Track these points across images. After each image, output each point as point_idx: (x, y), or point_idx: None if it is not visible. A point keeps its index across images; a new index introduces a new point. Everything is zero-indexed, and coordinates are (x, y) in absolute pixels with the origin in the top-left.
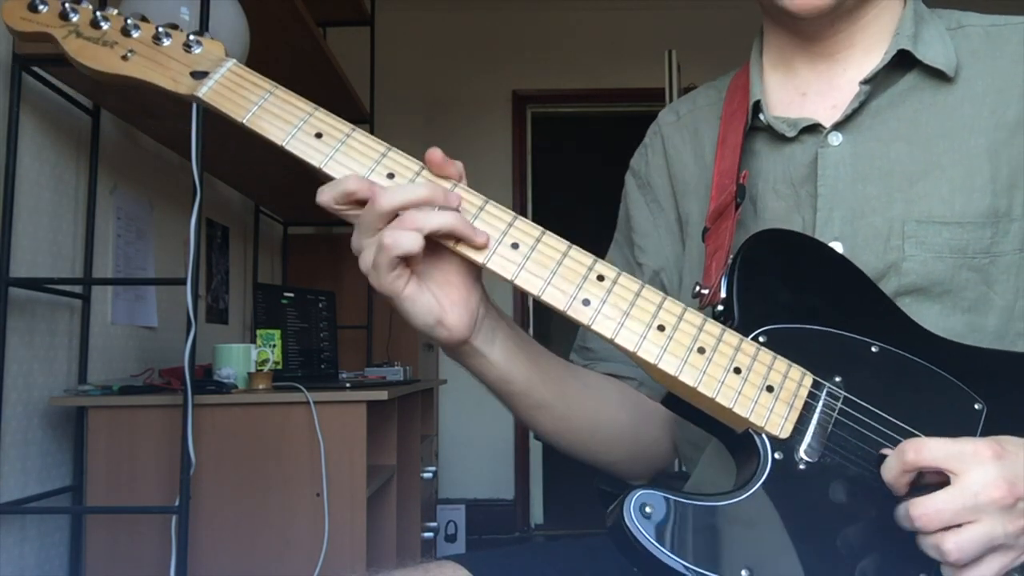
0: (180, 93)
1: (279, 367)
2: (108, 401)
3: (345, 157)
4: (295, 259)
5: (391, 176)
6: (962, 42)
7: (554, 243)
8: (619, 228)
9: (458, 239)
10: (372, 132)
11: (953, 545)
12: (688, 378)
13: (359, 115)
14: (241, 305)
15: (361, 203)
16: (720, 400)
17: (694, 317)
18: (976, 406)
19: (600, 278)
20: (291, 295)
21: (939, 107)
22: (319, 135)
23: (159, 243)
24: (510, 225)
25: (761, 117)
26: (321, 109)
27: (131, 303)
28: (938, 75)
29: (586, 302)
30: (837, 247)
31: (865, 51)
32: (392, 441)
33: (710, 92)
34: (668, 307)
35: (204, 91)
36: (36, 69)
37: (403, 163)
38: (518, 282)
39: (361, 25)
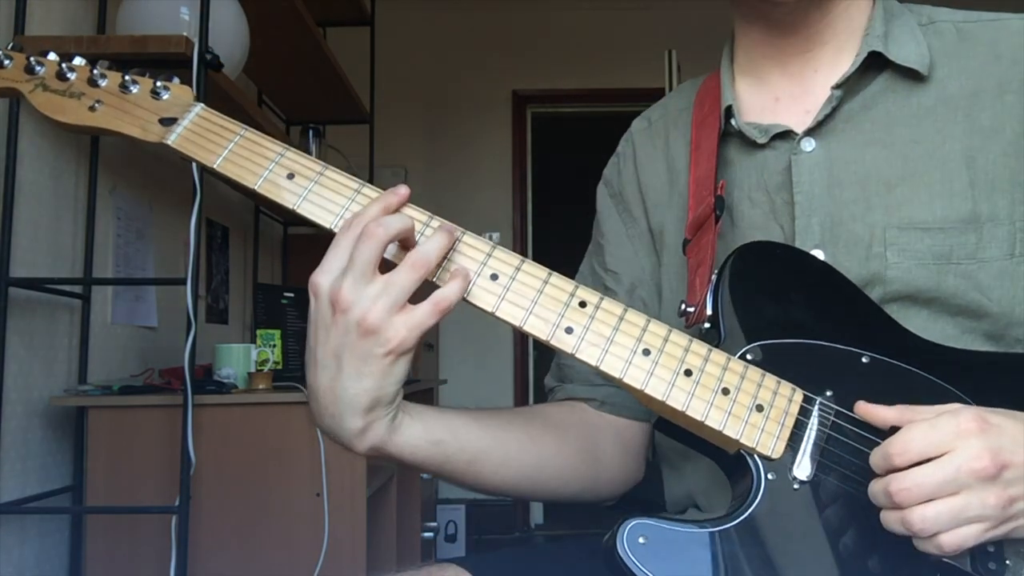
0: (150, 141)
1: (279, 367)
2: (108, 401)
3: (318, 197)
4: (295, 259)
5: None
6: (934, 39)
7: (534, 271)
8: (593, 240)
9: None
10: (372, 132)
11: (918, 517)
12: (676, 402)
13: (359, 115)
14: (241, 305)
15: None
16: (709, 423)
17: (680, 338)
18: None
19: (582, 304)
20: (291, 295)
21: (913, 109)
22: (291, 175)
23: (159, 243)
24: (489, 255)
25: (733, 123)
26: (292, 149)
27: (131, 303)
28: (911, 74)
29: (569, 330)
30: (818, 255)
31: (835, 50)
32: None
33: (680, 96)
34: (653, 329)
35: (173, 138)
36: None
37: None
38: (499, 314)
39: (361, 25)
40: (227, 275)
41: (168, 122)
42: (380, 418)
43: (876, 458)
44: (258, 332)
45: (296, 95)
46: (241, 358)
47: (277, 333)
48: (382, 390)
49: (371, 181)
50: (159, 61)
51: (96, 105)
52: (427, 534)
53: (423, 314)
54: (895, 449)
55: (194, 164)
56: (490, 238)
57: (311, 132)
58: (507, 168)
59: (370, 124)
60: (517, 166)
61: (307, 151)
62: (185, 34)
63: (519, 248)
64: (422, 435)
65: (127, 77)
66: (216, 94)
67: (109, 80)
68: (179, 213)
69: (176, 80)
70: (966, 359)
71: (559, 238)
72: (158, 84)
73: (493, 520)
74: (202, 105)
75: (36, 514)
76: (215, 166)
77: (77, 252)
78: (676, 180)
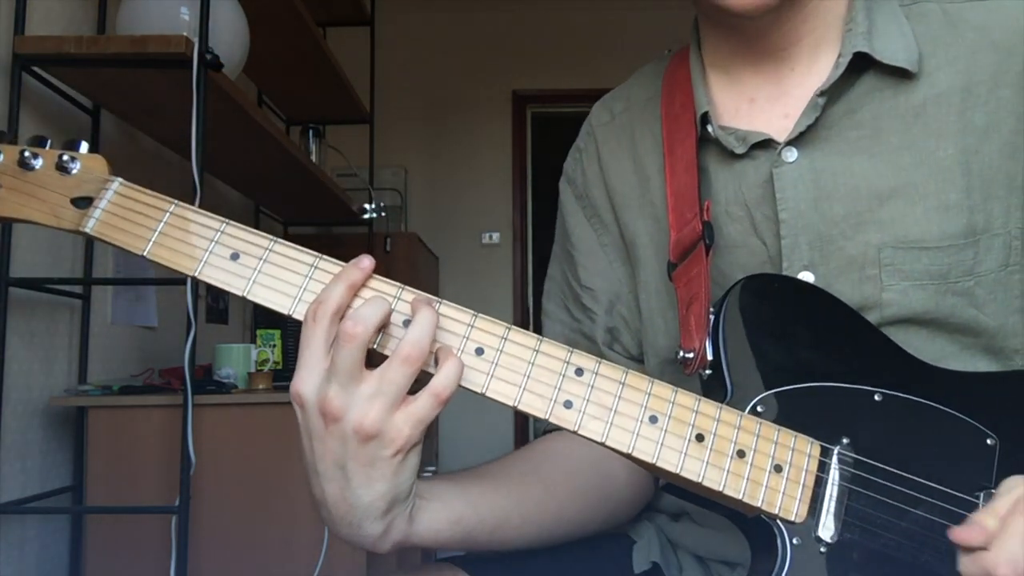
0: (65, 229)
1: (279, 367)
2: (108, 401)
3: (270, 278)
4: None
5: None
6: (919, 24)
7: (522, 339)
8: (557, 242)
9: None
10: (372, 132)
11: None
12: (691, 473)
13: (359, 115)
14: (241, 305)
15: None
16: (728, 492)
17: (686, 399)
18: (988, 441)
19: (579, 372)
20: None
21: (901, 112)
22: (235, 255)
23: None
24: (471, 327)
25: (709, 129)
26: (232, 223)
27: (131, 303)
28: (899, 72)
29: (568, 404)
30: (807, 277)
31: (813, 46)
32: None
33: (645, 85)
34: (657, 392)
35: (92, 225)
36: (36, 69)
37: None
38: (490, 394)
39: (361, 25)
40: None
41: (83, 203)
42: (399, 514)
43: (975, 572)
44: (258, 332)
45: (296, 95)
46: (241, 358)
47: (277, 333)
48: (397, 488)
49: (371, 181)
50: (159, 61)
51: None
52: None
53: (424, 408)
54: (1004, 571)
55: (194, 161)
56: (490, 238)
57: (311, 132)
58: (507, 168)
59: (370, 124)
60: (517, 166)
61: (307, 151)
62: (185, 34)
63: (519, 248)
64: (442, 516)
65: (26, 152)
66: (216, 94)
67: (5, 156)
68: None
69: (84, 147)
70: (977, 382)
71: None
72: (64, 158)
73: None
74: (120, 180)
75: (36, 514)
76: (144, 254)
77: (77, 252)
78: (647, 185)
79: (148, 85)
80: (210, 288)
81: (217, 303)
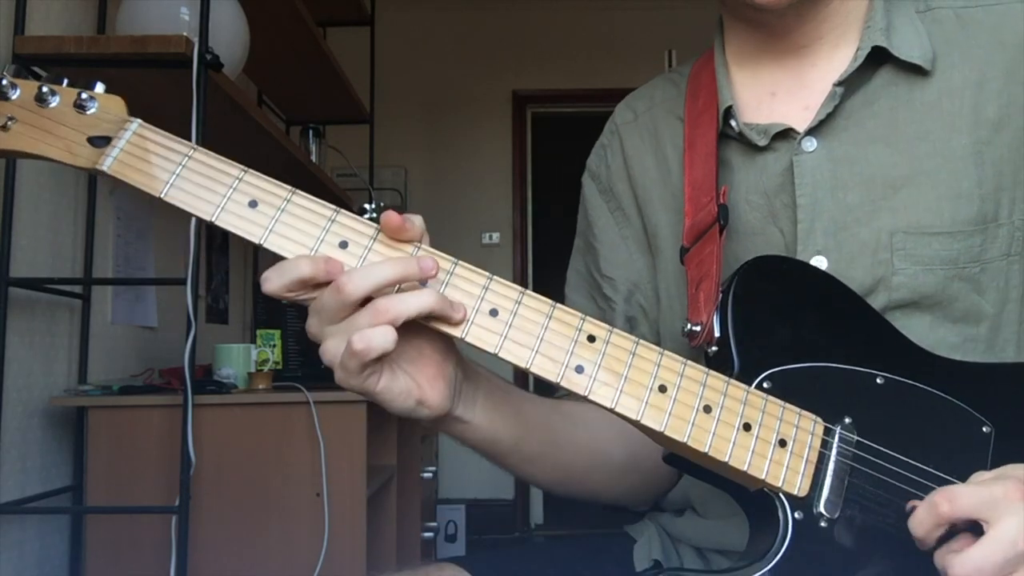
0: (80, 167)
1: (279, 367)
2: (108, 401)
3: (287, 228)
4: None
5: (344, 245)
6: (933, 27)
7: (536, 304)
8: (580, 235)
9: (435, 318)
10: (372, 132)
11: None
12: (698, 443)
13: (359, 115)
14: (241, 305)
15: (318, 285)
16: (733, 463)
17: (695, 372)
18: (984, 429)
19: (591, 339)
20: None
21: (917, 104)
22: (253, 203)
23: (159, 243)
24: (486, 288)
25: (732, 124)
26: (251, 171)
27: (131, 303)
28: (914, 69)
29: (579, 369)
30: (820, 261)
31: (833, 44)
32: (392, 441)
33: (668, 87)
34: (666, 363)
35: (109, 164)
36: (36, 69)
37: (356, 227)
38: (502, 355)
39: (361, 25)
40: (227, 275)
41: (100, 142)
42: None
43: (921, 513)
44: (258, 332)
45: (296, 95)
46: (241, 358)
47: (277, 333)
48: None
49: (371, 181)
50: (159, 61)
51: (9, 123)
52: (427, 534)
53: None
54: (941, 496)
55: None
56: (490, 238)
57: (311, 132)
58: (507, 168)
59: (370, 124)
60: (517, 166)
61: (307, 151)
62: (185, 34)
63: (519, 248)
64: (479, 432)
65: (44, 88)
66: (216, 94)
67: (22, 90)
68: (179, 213)
69: (101, 87)
70: (975, 373)
71: (559, 238)
72: (83, 96)
73: (493, 520)
74: (139, 121)
75: (36, 514)
76: (161, 195)
77: (77, 252)
78: (668, 179)
79: (148, 85)
80: (210, 288)
81: (217, 303)
